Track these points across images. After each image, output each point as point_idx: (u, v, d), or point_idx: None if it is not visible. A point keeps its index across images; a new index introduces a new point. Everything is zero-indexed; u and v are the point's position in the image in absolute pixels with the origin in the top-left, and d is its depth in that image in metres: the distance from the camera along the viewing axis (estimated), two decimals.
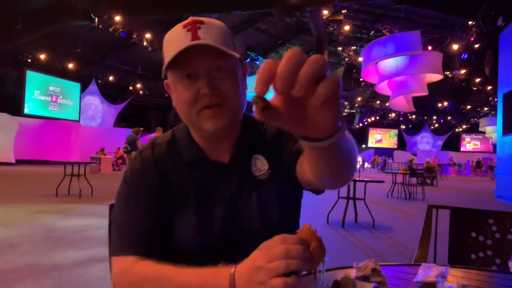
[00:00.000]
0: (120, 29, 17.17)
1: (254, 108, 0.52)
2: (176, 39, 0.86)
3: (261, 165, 0.99)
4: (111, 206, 1.43)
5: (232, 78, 0.89)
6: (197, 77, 0.86)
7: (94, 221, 5.62)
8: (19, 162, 19.46)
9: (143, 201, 0.93)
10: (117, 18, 16.45)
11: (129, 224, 0.92)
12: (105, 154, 19.48)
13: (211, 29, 0.87)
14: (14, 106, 21.27)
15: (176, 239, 0.93)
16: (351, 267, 1.01)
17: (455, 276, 1.05)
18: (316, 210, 7.03)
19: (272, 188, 0.98)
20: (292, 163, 0.93)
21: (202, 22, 0.87)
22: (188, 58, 0.84)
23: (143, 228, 0.91)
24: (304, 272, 0.68)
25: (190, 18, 0.89)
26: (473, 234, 1.71)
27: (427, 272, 0.99)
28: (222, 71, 0.87)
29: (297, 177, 0.93)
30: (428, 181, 15.54)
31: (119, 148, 20.27)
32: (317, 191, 0.97)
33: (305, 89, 0.47)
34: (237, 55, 0.89)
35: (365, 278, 0.87)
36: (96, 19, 16.15)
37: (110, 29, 16.99)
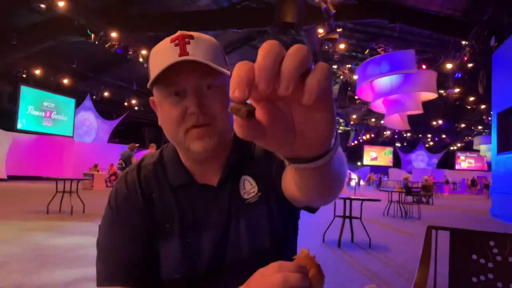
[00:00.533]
0: (116, 45, 17.23)
1: (234, 120, 0.42)
2: (163, 54, 0.80)
3: (250, 187, 0.92)
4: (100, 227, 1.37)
5: (222, 97, 0.83)
6: (185, 95, 0.81)
7: (85, 239, 5.51)
8: (11, 178, 19.25)
9: (128, 226, 0.87)
10: (114, 34, 16.53)
11: (114, 251, 0.86)
12: (98, 171, 19.32)
13: (201, 44, 0.82)
14: (8, 121, 21.13)
15: (161, 268, 0.87)
16: None
17: None
18: (311, 229, 6.95)
19: (263, 211, 0.91)
20: (278, 180, 0.87)
21: (191, 37, 0.82)
22: (176, 74, 0.79)
23: (130, 256, 0.85)
24: None
25: (179, 32, 0.83)
26: (474, 257, 1.65)
27: None
28: (212, 88, 0.82)
29: (283, 194, 0.86)
30: (424, 199, 15.50)
31: (112, 165, 20.12)
32: (311, 209, 0.89)
33: (294, 84, 0.38)
34: (228, 73, 0.84)
35: None
36: (93, 35, 16.22)
37: (106, 45, 17.05)
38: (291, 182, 0.73)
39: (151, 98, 0.90)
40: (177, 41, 0.80)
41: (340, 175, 0.66)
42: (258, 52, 0.39)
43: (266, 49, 0.39)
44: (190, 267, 0.87)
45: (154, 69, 0.80)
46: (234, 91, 0.39)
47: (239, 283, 0.66)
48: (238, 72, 0.39)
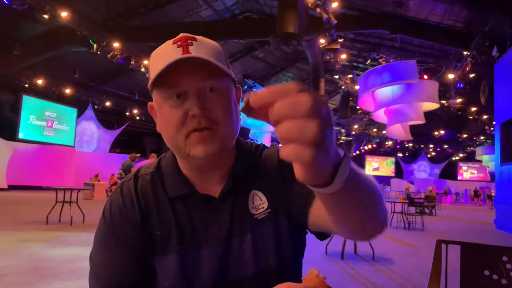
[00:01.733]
0: (118, 56, 17.29)
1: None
2: (164, 55, 0.76)
3: (259, 203, 0.86)
4: None
5: (225, 100, 0.79)
6: (186, 97, 0.76)
7: (83, 250, 5.42)
8: (11, 187, 19.20)
9: (122, 240, 0.81)
10: (116, 44, 16.59)
11: (108, 268, 0.80)
12: (99, 180, 19.27)
13: (204, 46, 0.78)
14: (9, 131, 21.15)
15: (157, 284, 0.80)
16: None
17: None
18: (314, 240, 6.82)
19: (271, 229, 0.85)
20: (304, 207, 0.80)
21: (194, 39, 0.78)
22: (177, 76, 0.74)
23: (124, 272, 0.80)
24: None
25: (181, 34, 0.80)
26: (487, 272, 1.58)
27: None
28: (215, 91, 0.77)
29: (308, 222, 0.81)
30: (427, 210, 15.37)
31: (113, 175, 20.07)
32: (322, 236, 0.84)
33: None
34: (232, 75, 0.80)
35: None
36: (95, 46, 16.28)
37: (108, 55, 17.11)
38: (323, 211, 0.66)
39: (149, 103, 0.85)
40: (179, 42, 0.77)
41: (372, 204, 0.63)
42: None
43: (281, 87, 0.43)
44: (188, 284, 0.80)
45: (155, 70, 0.75)
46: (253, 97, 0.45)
47: None
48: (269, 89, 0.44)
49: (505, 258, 1.58)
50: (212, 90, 0.77)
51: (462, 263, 1.62)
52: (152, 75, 0.76)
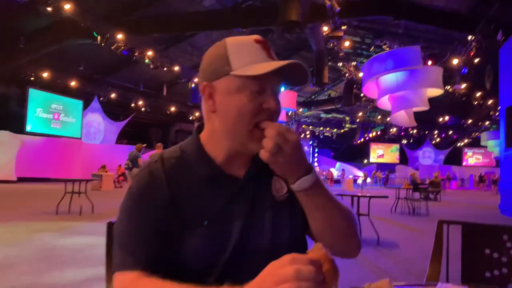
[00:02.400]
0: (122, 47, 17.30)
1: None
2: (253, 50, 0.89)
3: (279, 187, 0.97)
4: (109, 224, 1.38)
5: (279, 103, 0.93)
6: (263, 92, 0.88)
7: (94, 239, 5.53)
8: (20, 179, 19.41)
9: (149, 214, 0.88)
10: (119, 36, 16.59)
11: (133, 238, 0.86)
12: (106, 171, 19.43)
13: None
14: (16, 124, 21.33)
15: (183, 256, 0.87)
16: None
17: None
18: None
19: (287, 211, 0.96)
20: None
21: (269, 44, 0.93)
22: (270, 74, 0.85)
23: (149, 243, 0.86)
24: None
25: (259, 37, 0.93)
26: (487, 251, 1.64)
27: None
28: (278, 94, 0.92)
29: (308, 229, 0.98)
30: (431, 196, 15.41)
31: (120, 165, 20.22)
32: None
33: None
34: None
35: None
36: (99, 38, 16.29)
37: (112, 47, 17.12)
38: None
39: (205, 83, 0.92)
40: (261, 44, 0.91)
41: (341, 228, 0.93)
42: None
43: None
44: (214, 256, 0.87)
45: (242, 61, 0.87)
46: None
47: (255, 273, 0.66)
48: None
49: (505, 237, 1.64)
50: (278, 92, 0.92)
51: (463, 243, 1.68)
52: (238, 63, 0.87)
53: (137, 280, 0.80)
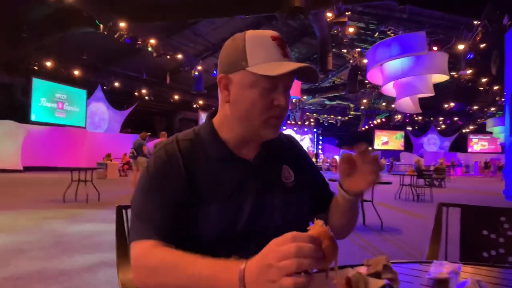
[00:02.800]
0: (125, 35, 17.26)
1: None
2: (269, 48, 0.93)
3: (288, 175, 1.07)
4: (119, 207, 1.43)
5: (289, 96, 1.00)
6: (275, 89, 0.93)
7: (102, 226, 5.63)
8: (26, 169, 19.58)
9: (166, 188, 0.94)
10: (122, 24, 16.54)
11: (151, 211, 0.92)
12: (111, 160, 19.56)
13: (290, 51, 0.98)
14: (21, 113, 21.42)
15: (197, 230, 0.94)
16: (362, 264, 0.99)
17: (467, 272, 1.03)
18: None
19: (295, 197, 1.05)
20: (325, 200, 1.16)
21: (285, 41, 0.97)
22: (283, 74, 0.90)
23: (165, 216, 0.92)
24: (315, 270, 0.67)
25: (276, 33, 0.97)
26: (485, 232, 1.68)
27: (439, 269, 0.97)
28: (289, 91, 0.98)
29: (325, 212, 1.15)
30: (436, 182, 15.42)
31: (125, 154, 20.33)
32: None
33: None
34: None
35: (377, 275, 0.86)
36: (101, 26, 16.26)
37: (115, 36, 17.08)
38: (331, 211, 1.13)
39: (222, 75, 0.98)
40: (277, 41, 0.95)
41: (355, 221, 1.12)
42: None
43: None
44: (225, 231, 0.94)
45: (257, 58, 0.92)
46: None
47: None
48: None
49: (503, 219, 1.68)
50: (289, 89, 0.97)
51: (462, 224, 1.72)
52: (254, 60, 0.92)
53: (152, 247, 0.86)
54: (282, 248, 0.65)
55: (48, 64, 21.60)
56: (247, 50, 0.93)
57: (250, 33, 0.96)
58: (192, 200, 0.94)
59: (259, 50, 0.93)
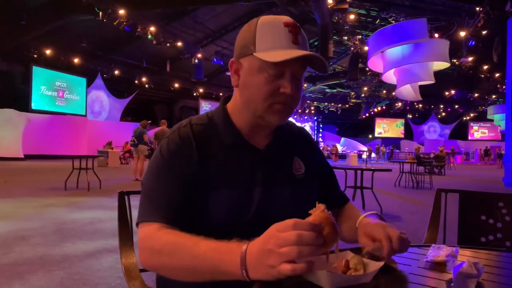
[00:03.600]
0: (125, 23, 17.15)
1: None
2: (278, 34, 0.92)
3: (299, 166, 1.07)
4: (121, 193, 1.44)
5: (301, 88, 0.98)
6: (281, 75, 0.92)
7: (103, 213, 5.67)
8: (27, 157, 19.64)
9: (177, 172, 0.95)
10: (121, 11, 16.43)
11: (161, 192, 0.93)
12: (112, 148, 19.59)
13: (304, 37, 0.96)
14: (21, 101, 21.41)
15: (207, 215, 0.94)
16: (360, 248, 1.01)
17: (465, 256, 1.04)
18: None
19: (305, 188, 1.06)
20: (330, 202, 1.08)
21: (299, 28, 0.95)
22: (290, 60, 0.89)
23: (174, 199, 0.92)
24: None
25: (290, 19, 0.95)
26: (483, 217, 1.69)
27: (437, 252, 0.99)
28: (299, 80, 0.95)
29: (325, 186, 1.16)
30: (436, 170, 15.46)
31: (126, 142, 20.36)
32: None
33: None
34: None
35: (376, 258, 0.87)
36: (101, 13, 16.14)
37: (115, 23, 16.97)
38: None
39: (233, 59, 0.99)
40: (290, 28, 0.93)
41: None
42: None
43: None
44: (233, 217, 0.94)
45: (266, 44, 0.92)
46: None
47: None
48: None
49: (501, 204, 1.69)
50: (299, 78, 0.95)
51: (460, 210, 1.73)
52: (262, 45, 0.91)
53: (158, 230, 0.87)
54: (283, 234, 0.66)
55: (48, 52, 21.51)
56: (257, 35, 0.93)
57: (263, 18, 0.96)
58: (202, 185, 0.94)
59: (268, 36, 0.92)
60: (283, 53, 0.88)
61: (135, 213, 1.04)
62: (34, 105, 22.31)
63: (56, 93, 23.86)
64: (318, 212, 0.73)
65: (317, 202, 0.76)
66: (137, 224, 0.94)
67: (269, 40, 0.91)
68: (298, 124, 1.24)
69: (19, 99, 21.43)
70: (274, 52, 0.89)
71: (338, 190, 1.21)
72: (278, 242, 0.66)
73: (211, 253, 0.77)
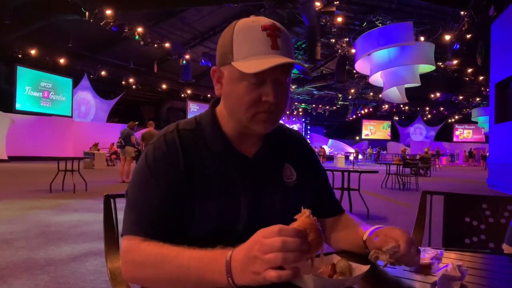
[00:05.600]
0: (112, 23, 16.99)
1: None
2: (255, 41, 0.86)
3: (290, 174, 1.03)
4: (107, 196, 1.42)
5: (287, 91, 0.93)
6: (263, 83, 0.87)
7: (89, 216, 5.60)
8: (11, 158, 19.31)
9: (163, 181, 0.91)
10: (108, 12, 16.27)
11: (144, 203, 0.90)
12: (98, 150, 19.38)
13: (286, 40, 0.89)
14: (5, 102, 21.06)
15: (193, 224, 0.91)
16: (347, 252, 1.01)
17: (449, 258, 1.06)
18: None
19: (296, 196, 1.02)
20: (321, 211, 1.10)
21: (280, 30, 0.89)
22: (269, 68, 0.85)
23: (159, 209, 0.89)
24: None
25: (270, 21, 0.89)
26: (467, 219, 1.72)
27: (422, 254, 1.00)
28: (284, 83, 0.90)
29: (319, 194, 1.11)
30: (421, 171, 15.64)
31: (113, 144, 20.17)
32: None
33: None
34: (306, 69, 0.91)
35: (393, 254, 0.87)
36: (87, 13, 15.96)
37: (102, 23, 16.81)
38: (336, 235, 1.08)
39: (214, 67, 0.95)
40: (269, 31, 0.87)
41: None
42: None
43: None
44: (220, 227, 0.91)
45: (242, 50, 0.87)
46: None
47: None
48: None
49: (484, 206, 1.72)
50: (283, 82, 0.89)
51: (445, 211, 1.76)
52: (239, 53, 0.86)
53: (140, 243, 0.85)
54: (268, 241, 0.65)
55: (33, 52, 21.20)
56: (234, 43, 0.88)
57: (240, 22, 0.90)
58: (188, 194, 0.91)
59: (245, 43, 0.87)
60: (260, 62, 0.83)
61: (121, 216, 1.01)
62: (18, 106, 21.94)
63: (41, 93, 23.51)
64: (303, 217, 0.72)
65: (302, 208, 0.75)
66: (121, 235, 0.91)
67: (246, 47, 0.86)
68: (286, 125, 1.20)
69: (3, 100, 21.07)
70: (251, 60, 0.84)
71: (332, 198, 1.15)
72: (263, 248, 0.65)
73: (194, 262, 0.75)
